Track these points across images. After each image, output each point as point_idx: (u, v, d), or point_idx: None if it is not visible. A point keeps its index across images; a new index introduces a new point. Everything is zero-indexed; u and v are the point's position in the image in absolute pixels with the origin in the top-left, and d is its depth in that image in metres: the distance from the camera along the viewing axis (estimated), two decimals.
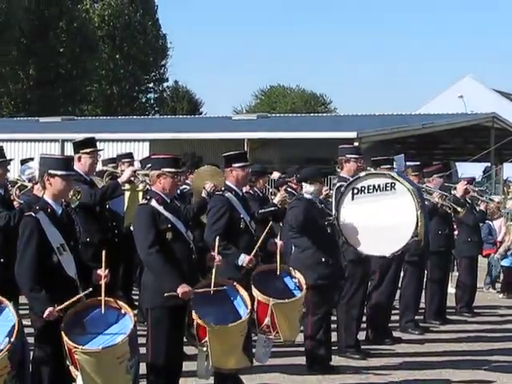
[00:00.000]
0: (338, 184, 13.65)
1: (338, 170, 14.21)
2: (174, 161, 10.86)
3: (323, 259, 12.74)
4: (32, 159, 17.22)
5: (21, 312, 9.20)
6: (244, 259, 11.30)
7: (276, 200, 14.43)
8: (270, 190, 17.14)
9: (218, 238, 10.99)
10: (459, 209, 16.71)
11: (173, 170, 10.62)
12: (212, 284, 10.51)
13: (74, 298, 8.87)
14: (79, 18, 72.32)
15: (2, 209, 11.13)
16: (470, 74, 76.83)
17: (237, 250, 11.47)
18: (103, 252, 9.10)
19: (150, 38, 79.90)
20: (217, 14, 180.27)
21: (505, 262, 24.27)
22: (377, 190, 12.58)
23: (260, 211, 13.68)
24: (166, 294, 9.92)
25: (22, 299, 9.99)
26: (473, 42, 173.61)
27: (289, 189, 16.64)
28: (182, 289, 9.91)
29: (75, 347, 8.58)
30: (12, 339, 7.96)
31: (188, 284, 10.18)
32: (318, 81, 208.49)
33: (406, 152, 23.49)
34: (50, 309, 8.66)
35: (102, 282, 8.94)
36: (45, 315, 8.67)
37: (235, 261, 11.43)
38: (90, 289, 9.13)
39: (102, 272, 8.99)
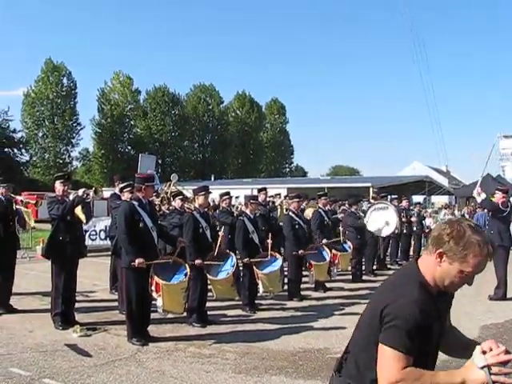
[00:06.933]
0: (368, 205, 13.99)
1: (365, 199, 14.45)
2: (297, 196, 11.09)
3: (359, 236, 12.79)
4: (238, 197, 17.63)
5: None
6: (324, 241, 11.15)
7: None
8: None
9: (319, 230, 11.30)
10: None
11: (297, 199, 10.89)
12: (313, 247, 10.68)
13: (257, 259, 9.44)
14: (255, 135, 72.75)
15: (229, 216, 11.05)
16: (417, 160, 75.15)
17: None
18: (270, 235, 9.39)
19: (286, 145, 79.19)
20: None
21: None
22: (381, 209, 12.69)
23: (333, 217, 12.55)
24: (295, 252, 10.34)
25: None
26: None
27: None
28: (301, 252, 10.28)
29: (258, 271, 8.97)
30: (233, 268, 8.27)
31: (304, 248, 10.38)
32: (355, 158, 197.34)
33: (392, 192, 24.01)
34: (246, 259, 9.07)
35: (269, 244, 9.26)
36: (245, 260, 9.09)
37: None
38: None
39: (269, 240, 9.27)
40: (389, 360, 2.18)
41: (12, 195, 9.21)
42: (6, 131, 52.60)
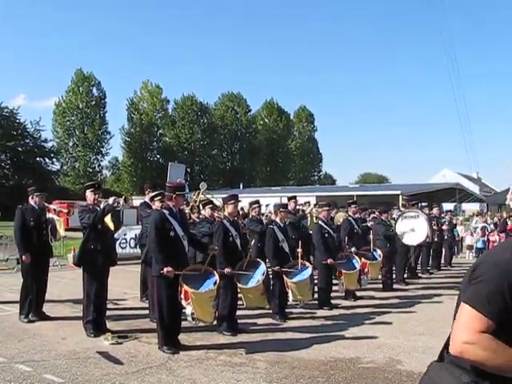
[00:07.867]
0: (399, 213, 13.80)
1: (395, 207, 14.26)
2: (327, 204, 11.00)
3: (388, 244, 12.54)
4: (268, 205, 17.43)
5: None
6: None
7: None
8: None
9: (347, 236, 11.30)
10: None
11: (327, 208, 10.92)
12: (343, 255, 10.74)
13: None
14: (284, 141, 72.38)
15: (258, 224, 11.08)
16: (447, 167, 74.90)
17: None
18: (300, 244, 9.23)
19: (314, 153, 78.97)
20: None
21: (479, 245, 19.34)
22: (412, 217, 12.69)
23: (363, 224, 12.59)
24: (325, 262, 10.30)
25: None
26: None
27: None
28: (330, 261, 10.18)
29: (288, 279, 8.92)
30: (263, 276, 8.21)
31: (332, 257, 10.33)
32: (383, 165, 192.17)
33: (422, 200, 23.49)
34: (277, 267, 9.02)
35: (299, 253, 9.10)
36: (276, 268, 9.02)
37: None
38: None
39: (299, 249, 9.09)
40: (466, 319, 2.00)
41: (45, 204, 9.37)
42: (38, 141, 53.61)
